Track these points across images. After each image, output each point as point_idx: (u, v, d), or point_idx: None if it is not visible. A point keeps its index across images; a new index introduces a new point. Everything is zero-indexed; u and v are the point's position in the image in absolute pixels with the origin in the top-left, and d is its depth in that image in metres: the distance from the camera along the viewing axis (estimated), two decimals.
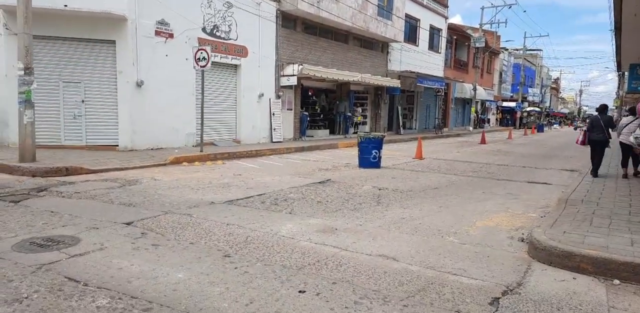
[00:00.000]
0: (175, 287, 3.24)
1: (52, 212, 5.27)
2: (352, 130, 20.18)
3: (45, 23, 10.37)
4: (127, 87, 11.15)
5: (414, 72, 23.06)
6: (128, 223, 4.86)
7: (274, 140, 15.53)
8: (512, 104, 43.59)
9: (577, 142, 10.02)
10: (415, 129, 26.45)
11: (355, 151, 11.32)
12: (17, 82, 8.57)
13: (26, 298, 2.95)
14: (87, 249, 3.97)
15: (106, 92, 11.24)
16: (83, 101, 11.17)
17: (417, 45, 24.74)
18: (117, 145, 11.23)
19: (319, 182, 8.08)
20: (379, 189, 7.57)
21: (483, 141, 20.60)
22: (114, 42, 11.07)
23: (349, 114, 20.10)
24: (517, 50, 47.01)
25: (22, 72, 8.43)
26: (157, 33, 11.62)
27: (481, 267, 3.89)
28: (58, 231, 4.50)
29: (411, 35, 24.19)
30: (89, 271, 3.46)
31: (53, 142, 10.94)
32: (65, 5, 10.26)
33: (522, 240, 4.71)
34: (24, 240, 4.16)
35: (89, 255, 3.82)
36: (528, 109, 47.58)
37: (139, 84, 11.26)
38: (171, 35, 11.95)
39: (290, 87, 16.30)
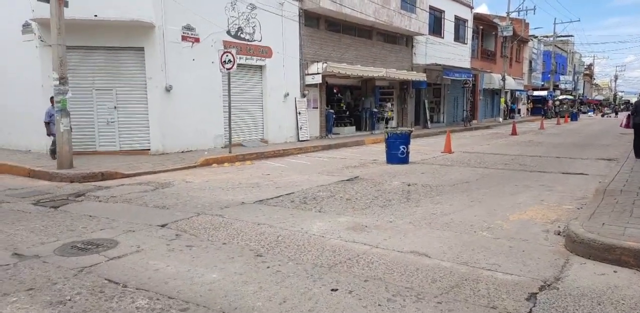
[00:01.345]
0: (210, 287, 3.31)
1: (90, 216, 5.47)
2: (379, 126, 20.06)
3: (77, 33, 10.72)
4: (157, 92, 11.43)
5: (440, 65, 22.68)
6: (163, 226, 5.00)
7: (300, 139, 15.60)
8: (544, 93, 42.30)
9: (621, 125, 11.05)
10: (443, 122, 26.04)
11: (382, 147, 11.25)
12: (52, 91, 8.91)
13: (69, 300, 3.08)
14: (125, 251, 4.10)
15: (137, 97, 11.55)
16: (115, 107, 11.51)
17: (443, 37, 24.31)
18: (149, 149, 11.53)
19: (347, 180, 8.08)
20: (408, 185, 7.51)
21: (514, 132, 20.09)
22: (142, 49, 11.36)
23: (375, 110, 19.96)
24: (546, 37, 45.55)
25: (57, 82, 8.77)
26: (184, 38, 11.85)
27: (516, 261, 3.81)
28: (97, 234, 4.67)
29: (436, 27, 23.79)
30: (127, 273, 3.58)
31: (88, 148, 11.32)
32: (96, 15, 10.58)
33: (559, 234, 4.58)
34: (65, 244, 4.34)
35: (126, 258, 3.95)
36: (560, 97, 46.08)
37: (168, 89, 11.53)
38: (197, 40, 12.16)
39: (315, 85, 16.32)
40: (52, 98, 10.20)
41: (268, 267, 3.70)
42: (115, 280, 3.42)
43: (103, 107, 11.47)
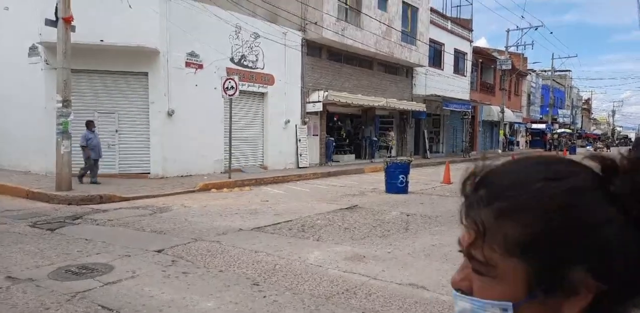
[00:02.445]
0: None
1: (86, 239, 5.41)
2: (379, 154, 20.16)
3: (83, 57, 10.89)
4: (159, 116, 11.54)
5: (439, 96, 23.04)
6: (159, 251, 4.94)
7: (300, 166, 15.62)
8: (542, 126, 42.74)
9: None
10: (442, 152, 26.17)
11: (381, 176, 11.26)
12: (55, 113, 9.00)
13: None
14: (120, 277, 4.04)
15: (139, 122, 11.66)
16: (117, 131, 11.58)
17: (442, 69, 24.81)
18: (149, 173, 11.53)
19: (346, 208, 8.05)
20: (407, 215, 7.48)
21: None
22: (146, 74, 11.55)
23: (375, 139, 20.11)
24: (544, 71, 46.49)
25: (60, 105, 8.87)
26: (188, 64, 12.08)
27: None
28: (92, 259, 4.61)
29: (436, 59, 24.32)
30: (121, 299, 3.52)
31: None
32: (102, 40, 10.82)
33: None
34: (60, 267, 4.27)
35: (121, 283, 3.88)
36: (558, 130, 46.54)
37: (170, 114, 11.64)
38: (200, 66, 12.40)
39: (315, 113, 16.50)
40: (87, 122, 10.09)
41: (264, 297, 3.64)
42: (109, 307, 3.36)
43: (105, 130, 11.51)
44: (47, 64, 11.08)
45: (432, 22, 22.89)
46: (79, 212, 7.20)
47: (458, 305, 0.55)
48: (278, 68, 14.86)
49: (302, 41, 15.74)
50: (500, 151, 31.32)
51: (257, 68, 14.21)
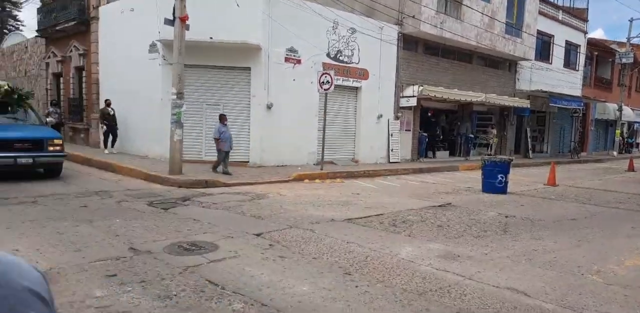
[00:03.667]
0: (300, 299, 3.41)
1: (194, 219, 5.91)
2: (477, 151, 19.28)
3: (194, 53, 11.81)
4: (259, 109, 12.15)
5: (545, 92, 21.34)
6: (258, 235, 5.25)
7: (391, 161, 15.49)
8: None
9: None
10: (546, 152, 24.28)
11: (477, 174, 10.79)
12: (170, 105, 9.88)
13: (175, 295, 3.36)
14: (224, 256, 4.37)
15: (240, 113, 12.37)
16: None
17: (550, 63, 22.92)
18: (248, 162, 12.21)
19: (439, 206, 7.85)
20: (506, 217, 7.09)
21: (631, 168, 18.10)
22: (249, 69, 12.20)
23: (471, 136, 19.25)
24: None
25: (175, 97, 9.71)
26: (287, 60, 12.52)
27: None
28: (200, 237, 5.03)
29: (543, 52, 22.53)
30: (225, 276, 3.81)
31: (195, 157, 12.27)
32: (211, 38, 11.61)
33: None
34: (173, 243, 4.73)
35: (225, 262, 4.20)
36: None
37: (269, 107, 12.19)
38: (299, 61, 12.78)
39: (409, 108, 16.22)
40: (221, 116, 10.73)
41: (356, 286, 3.71)
42: (215, 282, 3.66)
43: (211, 121, 12.39)
44: (164, 59, 12.15)
45: (541, 13, 21.22)
46: (188, 195, 7.87)
47: None
48: (373, 62, 14.81)
49: (398, 35, 15.49)
50: (615, 153, 28.23)
51: (352, 63, 14.29)
